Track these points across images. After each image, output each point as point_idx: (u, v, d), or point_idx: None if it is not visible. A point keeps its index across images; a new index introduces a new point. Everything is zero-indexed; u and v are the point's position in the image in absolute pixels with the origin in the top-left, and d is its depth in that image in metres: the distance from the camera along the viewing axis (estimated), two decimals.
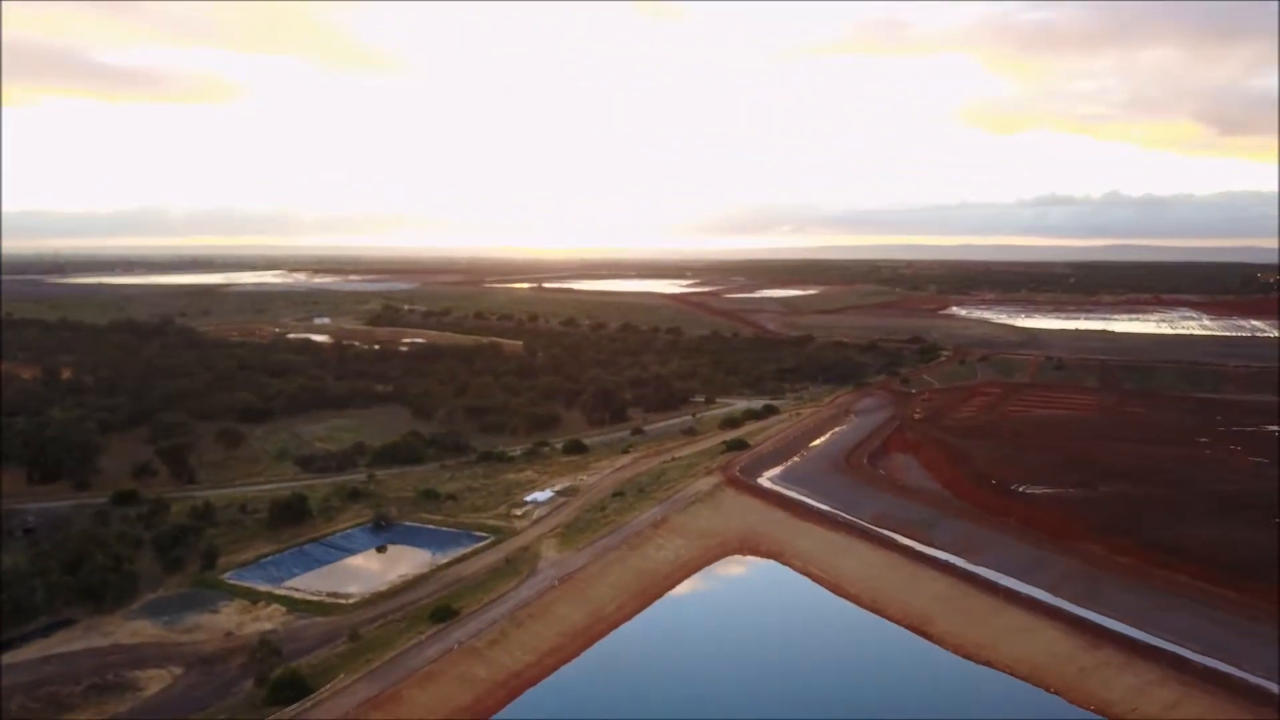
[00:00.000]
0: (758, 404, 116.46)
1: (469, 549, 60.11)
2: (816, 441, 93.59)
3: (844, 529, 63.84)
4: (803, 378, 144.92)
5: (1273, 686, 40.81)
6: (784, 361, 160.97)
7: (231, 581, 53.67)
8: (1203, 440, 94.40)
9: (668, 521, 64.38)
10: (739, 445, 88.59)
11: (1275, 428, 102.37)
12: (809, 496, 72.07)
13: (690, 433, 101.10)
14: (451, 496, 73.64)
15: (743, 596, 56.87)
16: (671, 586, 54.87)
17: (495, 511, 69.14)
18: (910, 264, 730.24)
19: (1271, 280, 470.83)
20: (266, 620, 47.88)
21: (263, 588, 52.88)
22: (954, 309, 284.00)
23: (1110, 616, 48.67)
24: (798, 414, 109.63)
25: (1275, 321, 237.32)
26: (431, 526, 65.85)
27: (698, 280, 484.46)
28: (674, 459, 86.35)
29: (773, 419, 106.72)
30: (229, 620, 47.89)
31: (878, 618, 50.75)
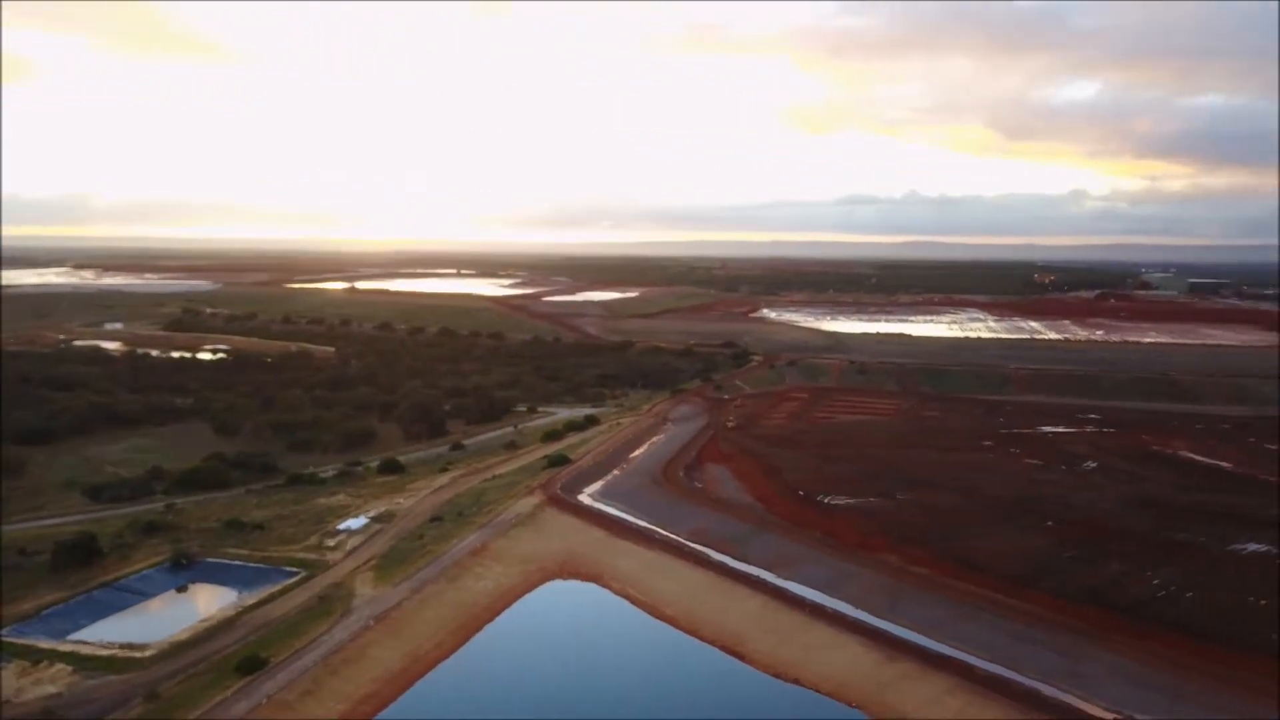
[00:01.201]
0: (580, 413, 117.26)
1: (278, 586, 57.64)
2: (635, 453, 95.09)
3: (662, 547, 65.24)
4: (623, 384, 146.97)
5: (1044, 689, 44.75)
6: (605, 367, 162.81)
7: (9, 639, 49.29)
8: (987, 444, 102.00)
9: (488, 548, 63.88)
10: (560, 460, 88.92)
11: (1049, 429, 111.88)
12: (629, 513, 73.22)
13: (512, 446, 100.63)
14: (259, 526, 70.37)
15: (563, 623, 57.12)
16: (491, 618, 54.46)
17: (306, 543, 66.59)
18: (724, 264, 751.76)
19: (1047, 280, 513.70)
20: (50, 683, 44.28)
21: (45, 644, 48.78)
22: (765, 311, 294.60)
23: (908, 628, 51.95)
24: (618, 423, 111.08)
25: (1050, 322, 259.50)
26: (238, 562, 62.69)
27: (519, 280, 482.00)
28: (494, 477, 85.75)
29: (594, 430, 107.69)
30: (5, 686, 44.00)
31: (694, 639, 52.09)
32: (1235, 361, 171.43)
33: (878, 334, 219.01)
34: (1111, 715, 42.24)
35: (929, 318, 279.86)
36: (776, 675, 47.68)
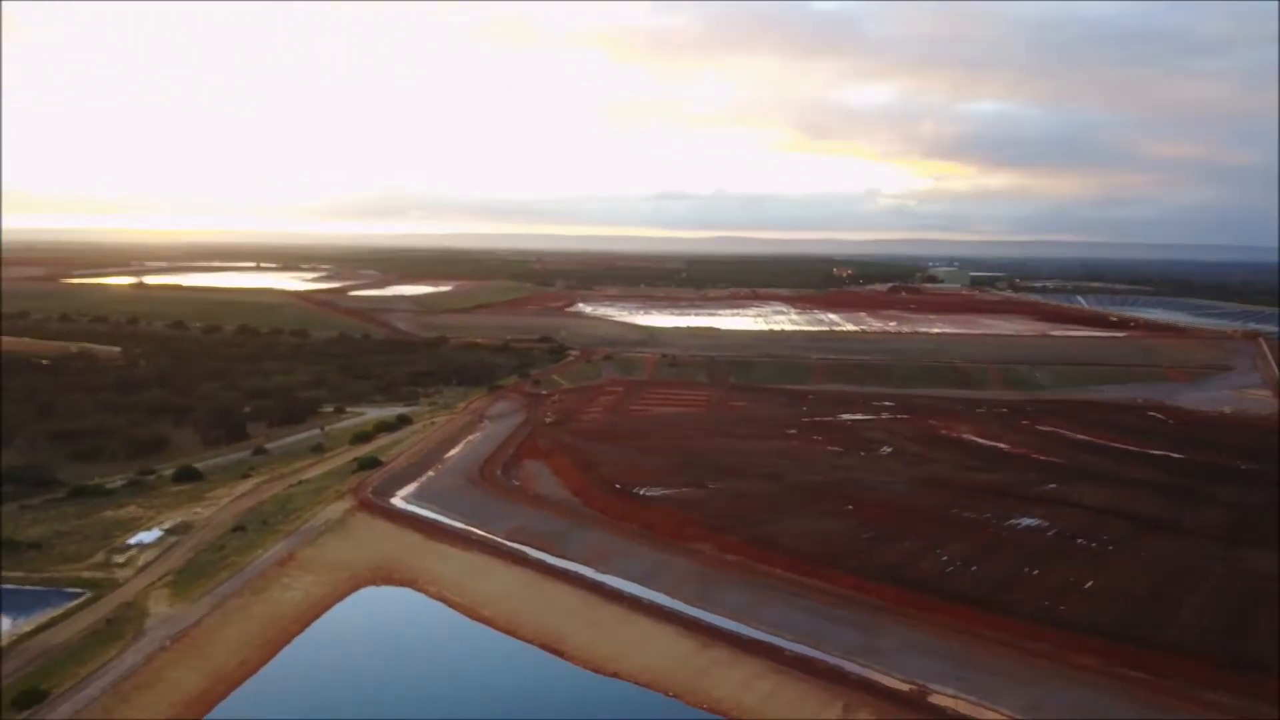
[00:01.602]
0: (392, 413, 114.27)
1: (59, 610, 53.22)
2: (451, 453, 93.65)
3: (480, 547, 64.66)
4: (437, 381, 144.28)
5: (846, 665, 47.37)
6: (418, 364, 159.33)
7: None
8: (792, 432, 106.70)
9: (295, 557, 61.35)
10: (371, 462, 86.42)
11: (848, 416, 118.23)
12: (444, 515, 72.10)
13: (319, 450, 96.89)
14: (35, 545, 64.58)
15: (378, 631, 55.63)
16: (301, 630, 52.33)
17: (91, 560, 61.79)
18: (540, 257, 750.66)
19: (845, 274, 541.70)
20: None
21: None
22: (580, 305, 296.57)
23: (720, 615, 53.72)
24: (432, 422, 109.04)
25: (847, 314, 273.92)
26: (11, 586, 57.47)
27: (324, 274, 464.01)
28: (301, 482, 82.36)
29: (407, 430, 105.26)
30: None
31: (513, 639, 51.91)
32: (1009, 349, 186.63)
33: (689, 328, 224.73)
34: (907, 686, 45.21)
35: (736, 311, 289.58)
36: (596, 670, 48.21)
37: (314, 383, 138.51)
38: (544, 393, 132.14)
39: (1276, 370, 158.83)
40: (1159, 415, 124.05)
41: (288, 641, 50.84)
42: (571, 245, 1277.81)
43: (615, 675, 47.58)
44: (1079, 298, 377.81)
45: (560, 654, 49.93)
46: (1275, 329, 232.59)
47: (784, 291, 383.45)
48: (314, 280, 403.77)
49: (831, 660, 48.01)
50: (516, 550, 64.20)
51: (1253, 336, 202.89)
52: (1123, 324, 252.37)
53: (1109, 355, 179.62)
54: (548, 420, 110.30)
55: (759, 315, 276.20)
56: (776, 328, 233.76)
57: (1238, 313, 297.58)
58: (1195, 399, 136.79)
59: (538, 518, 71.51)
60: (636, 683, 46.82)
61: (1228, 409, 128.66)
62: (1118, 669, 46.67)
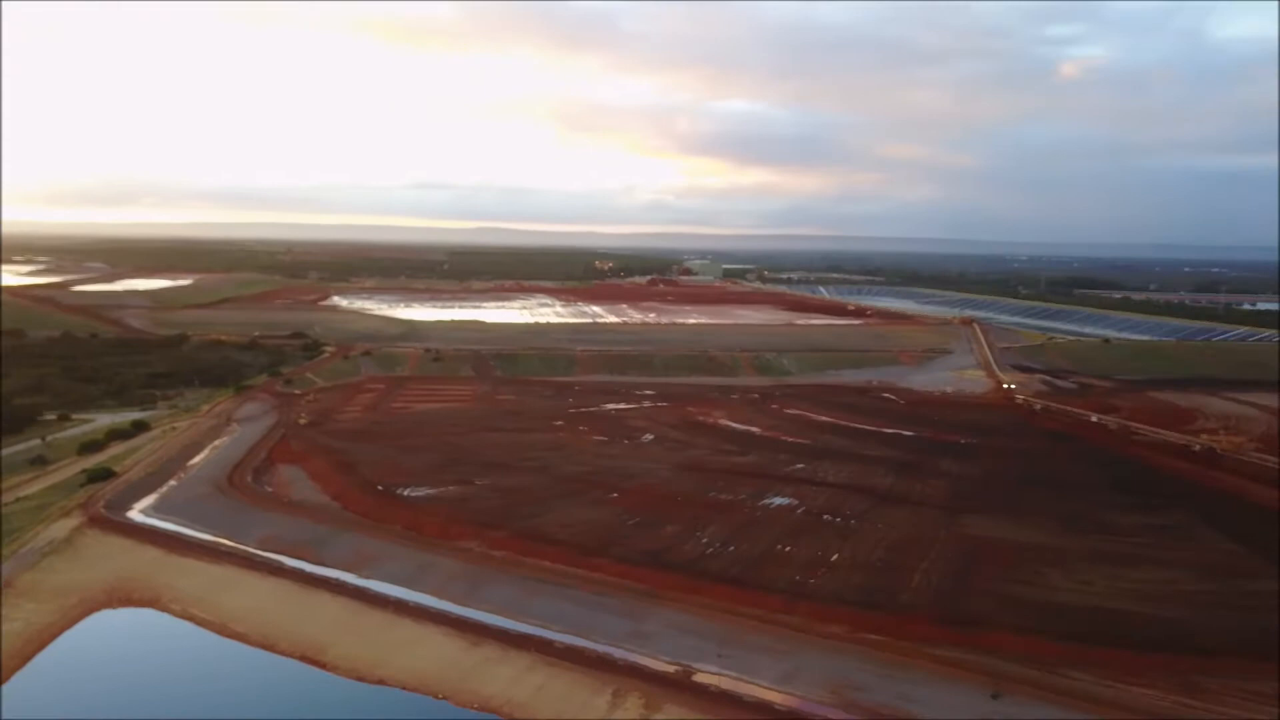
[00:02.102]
0: (126, 419, 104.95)
1: None
2: (195, 459, 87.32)
3: (230, 560, 60.77)
4: (177, 383, 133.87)
5: (615, 652, 48.42)
6: (155, 365, 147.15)
7: None
8: (559, 424, 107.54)
9: (14, 584, 55.17)
10: (103, 474, 79.05)
11: (613, 406, 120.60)
12: (189, 527, 67.19)
13: (40, 462, 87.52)
14: None
15: (116, 657, 51.01)
16: (22, 664, 47.14)
17: None
18: (290, 248, 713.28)
19: (606, 267, 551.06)
20: None
21: None
22: (336, 299, 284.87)
23: (489, 611, 53.40)
24: (173, 428, 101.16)
25: (609, 306, 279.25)
26: None
27: (44, 266, 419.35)
28: (19, 500, 74.11)
29: (144, 437, 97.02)
30: None
31: (270, 654, 49.23)
32: (759, 338, 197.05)
33: (453, 321, 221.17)
34: (673, 667, 46.82)
35: (501, 304, 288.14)
36: (360, 678, 46.60)
37: (33, 388, 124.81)
38: (297, 392, 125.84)
39: (988, 352, 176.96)
40: (891, 396, 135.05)
41: (7, 679, 45.65)
42: (325, 235, 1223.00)
43: (381, 682, 46.21)
44: (821, 288, 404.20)
45: (322, 665, 47.87)
46: (987, 315, 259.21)
47: (548, 284, 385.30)
48: (31, 274, 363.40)
49: (600, 648, 48.90)
50: (271, 560, 60.86)
51: (968, 322, 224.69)
52: (859, 312, 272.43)
53: (847, 341, 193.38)
54: (302, 421, 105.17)
55: (524, 308, 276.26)
56: (542, 320, 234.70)
57: (956, 300, 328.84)
58: (921, 380, 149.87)
59: (293, 525, 68.11)
60: (404, 687, 45.71)
61: (949, 388, 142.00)
62: (862, 634, 50.52)
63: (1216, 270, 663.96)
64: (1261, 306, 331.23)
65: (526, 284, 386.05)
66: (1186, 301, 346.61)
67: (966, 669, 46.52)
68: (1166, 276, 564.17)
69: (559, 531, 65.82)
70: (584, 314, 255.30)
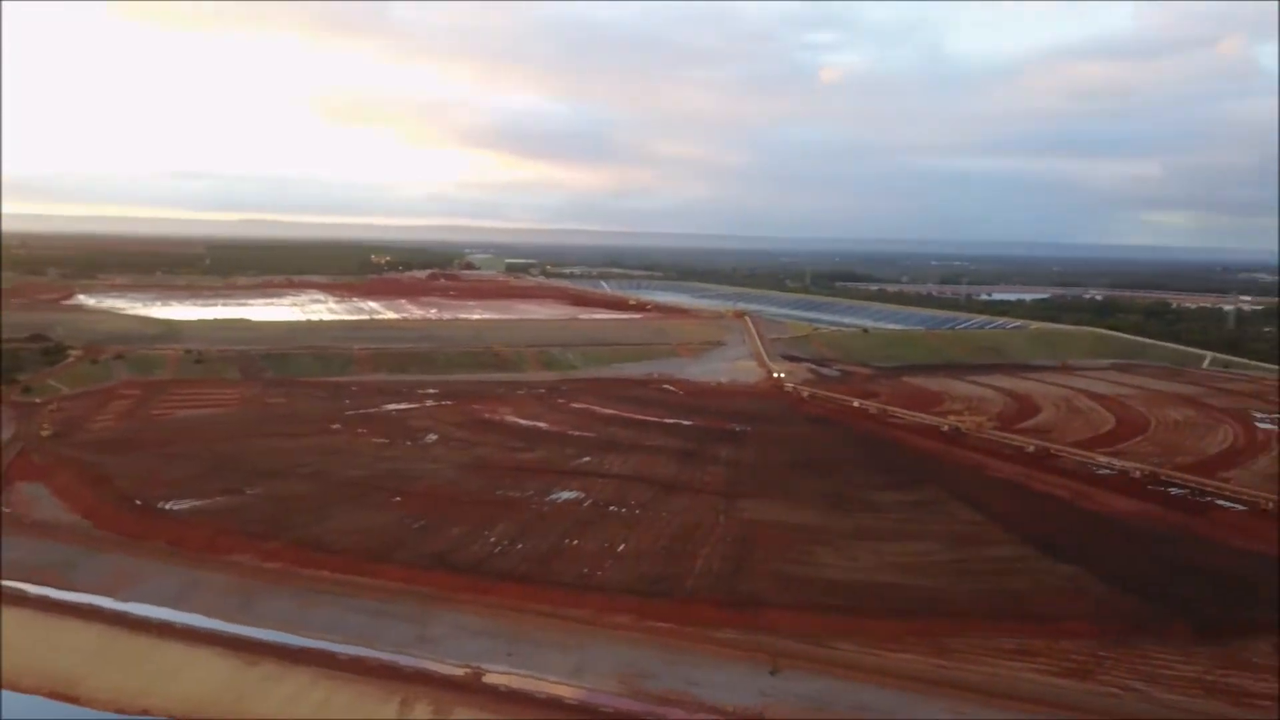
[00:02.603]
0: None
1: None
2: None
3: None
4: None
5: (402, 659, 47.35)
6: None
7: None
8: (336, 427, 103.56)
9: None
10: None
11: (394, 406, 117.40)
12: None
13: None
14: None
15: None
16: None
17: None
18: (25, 240, 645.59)
19: (384, 261, 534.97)
20: None
21: None
22: (81, 297, 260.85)
23: (266, 628, 50.82)
24: None
25: (388, 302, 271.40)
26: None
27: None
28: None
29: None
30: None
31: (14, 694, 44.63)
32: (544, 333, 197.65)
33: (216, 320, 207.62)
34: (461, 670, 46.31)
35: (270, 301, 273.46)
36: (121, 710, 43.22)
37: None
38: (38, 401, 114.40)
39: (759, 343, 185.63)
40: (671, 388, 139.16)
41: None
42: (67, 227, 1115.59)
43: (145, 711, 43.03)
44: (602, 283, 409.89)
45: (75, 700, 43.98)
46: (758, 308, 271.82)
47: (321, 279, 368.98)
48: None
49: (386, 657, 47.67)
50: (11, 589, 55.15)
51: (741, 315, 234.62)
52: (640, 307, 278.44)
53: (629, 335, 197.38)
54: (45, 433, 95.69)
55: (295, 305, 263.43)
56: (315, 318, 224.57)
57: (730, 294, 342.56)
58: (699, 371, 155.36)
59: (36, 548, 62.00)
60: (171, 716, 42.76)
61: (724, 379, 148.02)
62: (649, 622, 51.87)
63: (959, 263, 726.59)
64: (997, 297, 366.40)
65: (297, 279, 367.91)
66: (934, 293, 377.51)
67: (747, 649, 48.78)
68: (917, 269, 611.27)
69: (338, 539, 63.48)
70: (360, 310, 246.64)
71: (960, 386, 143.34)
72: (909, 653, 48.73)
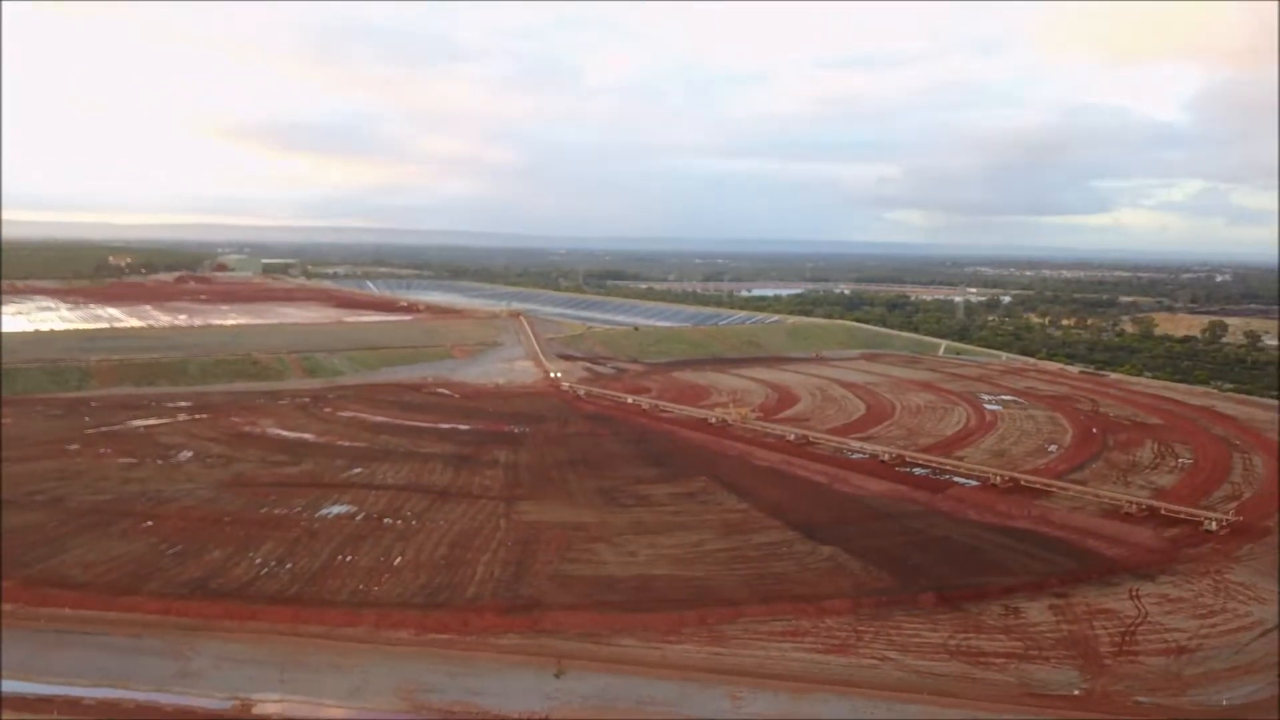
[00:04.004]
0: None
1: None
2: None
3: None
4: None
5: (162, 698, 43.93)
6: None
7: None
8: (74, 447, 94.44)
9: None
10: None
11: (141, 422, 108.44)
12: None
13: None
14: None
15: None
16: None
17: None
18: None
19: (125, 263, 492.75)
20: None
21: None
22: None
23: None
24: None
25: (130, 308, 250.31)
26: None
27: None
28: None
29: None
30: None
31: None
32: (307, 337, 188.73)
33: None
34: (229, 702, 43.57)
35: None
36: None
37: None
38: None
39: (535, 343, 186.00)
40: (445, 391, 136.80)
41: None
42: None
43: None
44: (369, 283, 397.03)
45: None
46: (533, 307, 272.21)
47: (49, 284, 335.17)
48: None
49: (143, 696, 44.15)
50: None
51: (515, 314, 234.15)
52: (410, 307, 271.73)
53: (400, 337, 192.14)
54: None
55: (19, 313, 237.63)
56: (44, 327, 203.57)
57: (504, 293, 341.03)
58: (474, 373, 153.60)
59: None
60: None
61: (500, 380, 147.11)
62: (429, 635, 50.85)
63: (721, 261, 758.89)
64: (757, 292, 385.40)
65: (20, 284, 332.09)
66: (699, 290, 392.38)
67: (531, 653, 48.84)
68: (683, 267, 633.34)
69: (81, 572, 58.00)
70: (98, 318, 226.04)
71: (726, 379, 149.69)
72: (687, 643, 50.47)
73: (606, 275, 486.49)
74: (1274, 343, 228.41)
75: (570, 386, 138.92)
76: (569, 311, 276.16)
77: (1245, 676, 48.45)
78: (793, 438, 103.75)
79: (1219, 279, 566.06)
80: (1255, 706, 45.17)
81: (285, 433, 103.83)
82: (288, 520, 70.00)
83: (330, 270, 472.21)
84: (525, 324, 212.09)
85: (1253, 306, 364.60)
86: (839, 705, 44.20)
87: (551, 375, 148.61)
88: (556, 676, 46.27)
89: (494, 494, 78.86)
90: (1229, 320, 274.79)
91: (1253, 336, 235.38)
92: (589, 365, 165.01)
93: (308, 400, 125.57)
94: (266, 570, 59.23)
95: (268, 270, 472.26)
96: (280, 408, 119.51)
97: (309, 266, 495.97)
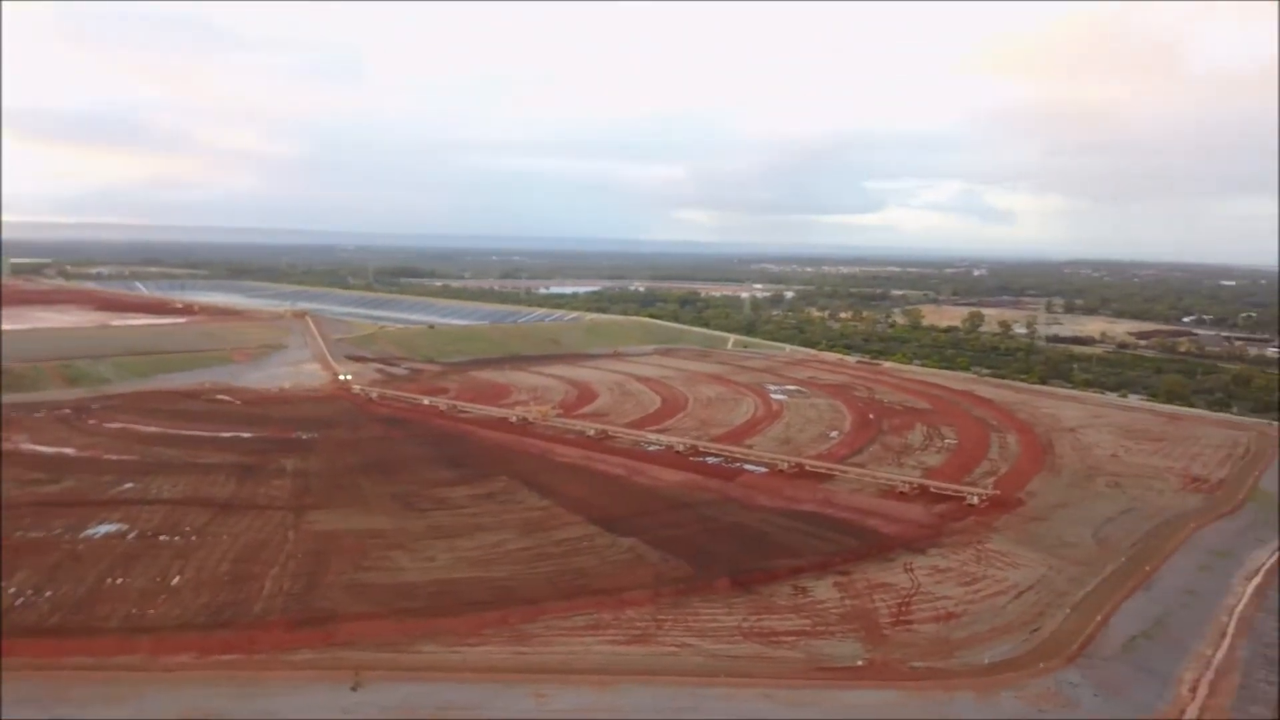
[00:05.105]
0: None
1: None
2: None
3: None
4: None
5: None
6: None
7: None
8: None
9: None
10: None
11: None
12: None
13: None
14: None
15: None
16: None
17: None
18: None
19: None
20: None
21: None
22: None
23: None
24: None
25: None
26: None
27: None
28: None
29: None
30: None
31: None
32: (68, 343, 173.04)
33: None
34: None
35: None
36: None
37: None
38: None
39: (323, 344, 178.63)
40: (226, 397, 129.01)
41: None
42: None
43: None
44: (138, 284, 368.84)
45: None
46: (320, 306, 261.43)
47: None
48: None
49: None
50: None
51: (301, 314, 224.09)
52: (186, 310, 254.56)
53: (175, 342, 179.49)
54: None
55: None
56: None
57: (288, 293, 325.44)
58: (258, 378, 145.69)
59: None
60: None
61: (286, 384, 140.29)
62: (214, 657, 47.85)
63: (518, 258, 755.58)
64: (554, 290, 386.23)
65: None
66: (496, 287, 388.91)
67: (325, 668, 46.91)
68: (479, 265, 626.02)
69: None
70: None
71: (526, 377, 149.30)
72: (490, 645, 50.00)
73: (399, 273, 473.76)
74: (1023, 330, 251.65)
75: (362, 389, 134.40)
76: (360, 311, 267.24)
77: (1004, 636, 53.16)
78: (592, 433, 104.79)
79: (976, 273, 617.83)
80: (1012, 663, 49.63)
81: (42, 448, 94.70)
82: (46, 544, 63.95)
83: (94, 270, 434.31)
84: (312, 325, 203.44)
85: (1005, 298, 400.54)
86: (642, 695, 45.04)
87: (341, 378, 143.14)
88: (353, 689, 44.67)
89: (282, 504, 75.19)
90: (986, 311, 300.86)
91: (1005, 326, 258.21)
92: (382, 366, 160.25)
93: (69, 412, 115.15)
94: (22, 600, 53.95)
95: (17, 271, 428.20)
96: (36, 421, 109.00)
97: (68, 267, 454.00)
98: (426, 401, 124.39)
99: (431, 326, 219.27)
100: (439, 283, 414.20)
